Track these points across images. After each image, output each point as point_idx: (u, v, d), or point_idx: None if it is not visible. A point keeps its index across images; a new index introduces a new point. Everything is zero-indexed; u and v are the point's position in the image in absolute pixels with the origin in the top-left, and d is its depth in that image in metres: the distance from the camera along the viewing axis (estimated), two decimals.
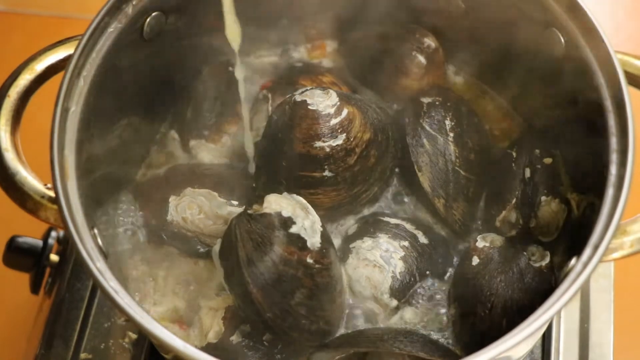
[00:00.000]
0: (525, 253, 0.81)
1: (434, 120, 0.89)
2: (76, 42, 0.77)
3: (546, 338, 0.88)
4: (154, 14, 0.83)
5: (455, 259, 0.87)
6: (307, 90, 0.83)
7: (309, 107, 0.81)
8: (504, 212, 0.86)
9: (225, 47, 0.98)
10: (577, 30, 0.79)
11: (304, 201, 0.80)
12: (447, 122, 0.89)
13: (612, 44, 0.76)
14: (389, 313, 0.84)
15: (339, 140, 0.82)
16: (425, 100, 0.91)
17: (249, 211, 0.76)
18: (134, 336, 0.89)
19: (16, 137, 0.78)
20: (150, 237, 0.89)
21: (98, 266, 0.69)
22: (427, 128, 0.88)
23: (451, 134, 0.89)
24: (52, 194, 0.74)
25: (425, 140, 0.88)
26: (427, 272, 0.86)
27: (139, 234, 0.90)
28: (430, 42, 0.94)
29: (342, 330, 0.83)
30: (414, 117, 0.89)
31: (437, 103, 0.90)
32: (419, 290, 0.85)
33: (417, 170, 0.87)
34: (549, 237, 0.86)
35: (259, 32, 0.98)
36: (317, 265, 0.76)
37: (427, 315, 0.85)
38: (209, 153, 0.94)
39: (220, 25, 0.87)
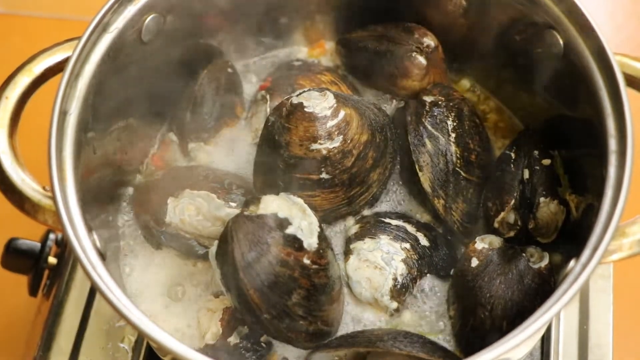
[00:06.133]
0: (524, 254, 0.81)
1: (436, 119, 0.89)
2: (74, 44, 0.77)
3: (545, 340, 0.88)
4: (152, 15, 0.83)
5: (455, 262, 0.87)
6: (304, 92, 0.83)
7: (306, 109, 0.81)
8: (502, 213, 0.86)
9: (224, 48, 0.98)
10: (576, 31, 0.79)
11: (302, 202, 0.80)
12: (449, 122, 0.89)
13: (611, 45, 0.76)
14: (389, 314, 0.84)
15: (336, 143, 0.82)
16: (428, 99, 0.91)
17: (246, 212, 0.76)
18: (132, 339, 0.89)
19: (14, 140, 0.78)
20: (148, 238, 0.89)
21: (96, 268, 0.69)
22: (429, 127, 0.88)
23: (453, 135, 0.89)
24: (50, 196, 0.74)
25: (427, 140, 0.87)
26: (428, 275, 0.86)
27: (137, 235, 0.90)
28: (429, 41, 0.94)
29: (341, 331, 0.83)
30: (416, 116, 0.89)
31: (439, 102, 0.90)
32: (419, 292, 0.85)
33: (417, 170, 0.86)
34: (548, 239, 0.85)
35: (258, 31, 0.98)
36: (314, 266, 0.76)
37: (426, 316, 0.85)
38: (207, 155, 0.94)
39: (217, 26, 0.87)
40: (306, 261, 0.76)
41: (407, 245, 0.85)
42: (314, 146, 0.81)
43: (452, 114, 0.90)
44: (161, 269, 0.88)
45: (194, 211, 0.86)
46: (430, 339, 0.81)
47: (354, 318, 0.85)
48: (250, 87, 1.00)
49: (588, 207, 0.79)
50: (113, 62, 0.80)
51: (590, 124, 0.77)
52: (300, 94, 0.83)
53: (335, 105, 0.82)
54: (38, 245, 0.94)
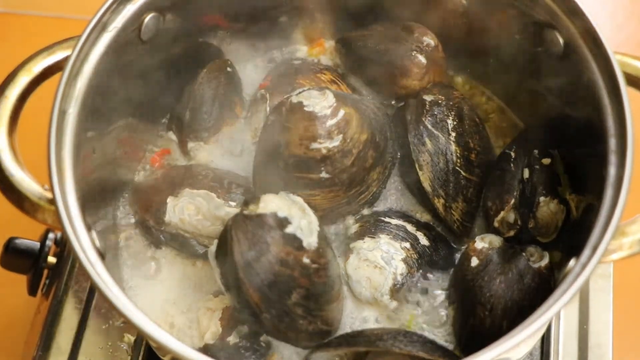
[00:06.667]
0: (524, 254, 0.81)
1: (437, 118, 0.89)
2: (74, 43, 0.77)
3: (545, 339, 0.88)
4: (151, 14, 0.83)
5: (455, 261, 0.87)
6: (303, 91, 0.83)
7: (305, 108, 0.81)
8: (502, 213, 0.86)
9: (223, 47, 0.98)
10: (576, 31, 0.79)
11: (301, 201, 0.79)
12: (449, 121, 0.89)
13: (612, 44, 0.76)
14: (388, 314, 0.84)
15: (336, 142, 0.81)
16: (428, 98, 0.91)
17: (245, 212, 0.76)
18: (131, 338, 0.89)
19: (14, 139, 0.78)
20: (148, 238, 0.89)
21: (95, 268, 0.69)
22: (429, 126, 0.88)
23: (453, 134, 0.89)
24: (49, 195, 0.74)
25: (427, 139, 0.87)
26: (428, 274, 0.85)
27: (136, 235, 0.90)
28: (429, 40, 0.94)
29: (341, 330, 0.83)
30: (416, 115, 0.89)
31: (439, 101, 0.90)
32: (419, 291, 0.85)
33: (417, 169, 0.86)
34: (548, 238, 0.85)
35: (258, 30, 0.98)
36: (313, 265, 0.76)
37: (426, 316, 0.85)
38: (207, 154, 0.94)
39: (217, 25, 0.87)
40: (306, 260, 0.76)
41: (407, 245, 0.85)
42: (314, 145, 0.81)
43: (452, 113, 0.90)
44: (161, 268, 0.88)
45: (193, 210, 0.85)
46: (429, 338, 0.81)
47: (353, 317, 0.85)
48: (249, 86, 1.00)
49: (588, 206, 0.79)
50: (112, 61, 0.80)
51: (590, 124, 0.77)
52: (299, 93, 0.83)
53: (334, 104, 0.82)
54: (37, 244, 0.94)
